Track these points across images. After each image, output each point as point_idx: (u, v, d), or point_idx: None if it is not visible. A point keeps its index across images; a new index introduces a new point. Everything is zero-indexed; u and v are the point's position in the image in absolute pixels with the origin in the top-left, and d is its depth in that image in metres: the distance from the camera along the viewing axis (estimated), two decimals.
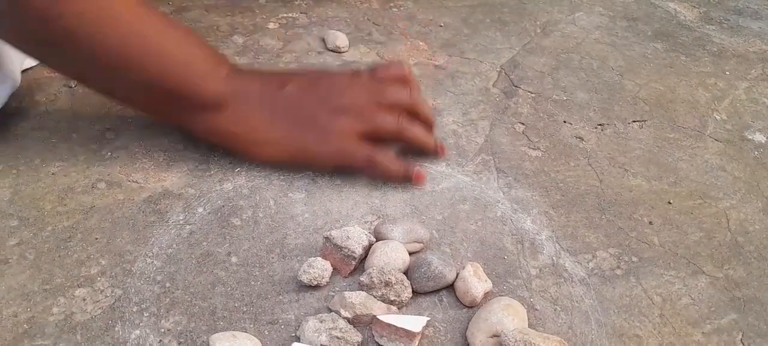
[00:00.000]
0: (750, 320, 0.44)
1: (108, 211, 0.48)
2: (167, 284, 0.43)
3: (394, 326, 0.39)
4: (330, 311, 0.41)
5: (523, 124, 0.60)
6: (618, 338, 0.42)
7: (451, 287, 0.44)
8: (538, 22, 0.78)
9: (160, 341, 0.39)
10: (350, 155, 0.51)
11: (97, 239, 0.46)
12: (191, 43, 0.51)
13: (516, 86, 0.66)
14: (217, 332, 0.40)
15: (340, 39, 0.69)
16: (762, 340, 0.43)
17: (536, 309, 0.43)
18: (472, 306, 0.43)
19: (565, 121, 0.61)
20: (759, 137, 0.62)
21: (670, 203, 0.53)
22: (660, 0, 0.85)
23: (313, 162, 0.51)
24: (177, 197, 0.50)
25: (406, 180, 0.51)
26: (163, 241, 0.46)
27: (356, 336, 0.39)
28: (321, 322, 0.39)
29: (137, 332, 0.40)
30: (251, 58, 0.66)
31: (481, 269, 0.44)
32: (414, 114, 0.53)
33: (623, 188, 0.54)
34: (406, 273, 0.44)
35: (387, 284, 0.42)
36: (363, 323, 0.41)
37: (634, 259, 0.48)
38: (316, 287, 0.43)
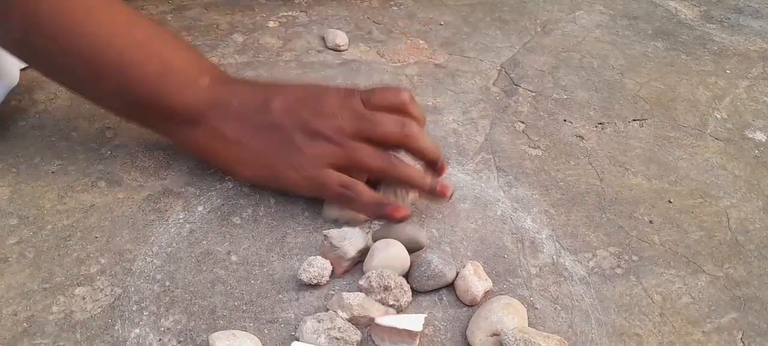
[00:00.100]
0: (750, 319, 0.44)
1: (108, 209, 0.48)
2: (167, 283, 0.43)
3: (395, 328, 0.38)
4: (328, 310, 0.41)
5: (523, 122, 0.60)
6: (618, 337, 0.42)
7: (451, 286, 0.44)
8: (539, 21, 0.78)
9: (160, 339, 0.39)
10: (321, 186, 0.47)
11: (96, 237, 0.46)
12: (173, 52, 0.49)
13: (516, 85, 0.66)
14: (216, 330, 0.40)
15: (340, 37, 0.69)
16: (762, 339, 0.43)
17: (536, 308, 0.43)
18: (472, 305, 0.43)
19: (565, 120, 0.61)
20: (759, 136, 0.61)
21: (670, 201, 0.53)
22: None
23: (285, 187, 0.49)
24: (177, 195, 0.49)
25: (380, 216, 0.48)
26: (163, 239, 0.46)
27: (355, 335, 0.39)
28: (319, 322, 0.39)
29: (137, 330, 0.40)
30: (251, 57, 0.66)
31: (481, 267, 0.44)
32: (409, 149, 0.48)
33: (623, 187, 0.54)
34: (406, 275, 0.43)
35: (386, 288, 0.41)
36: (361, 324, 0.40)
37: (635, 258, 0.48)
38: (316, 286, 0.43)
